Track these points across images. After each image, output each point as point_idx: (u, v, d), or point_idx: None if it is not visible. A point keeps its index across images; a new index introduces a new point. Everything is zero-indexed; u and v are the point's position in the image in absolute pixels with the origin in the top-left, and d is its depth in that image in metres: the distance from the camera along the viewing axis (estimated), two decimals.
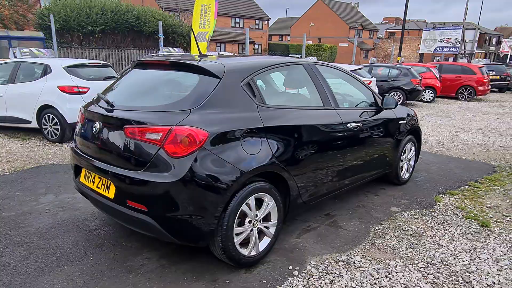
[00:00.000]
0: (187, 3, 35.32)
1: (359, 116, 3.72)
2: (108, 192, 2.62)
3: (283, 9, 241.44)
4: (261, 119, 2.72)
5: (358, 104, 3.98)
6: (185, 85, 2.75)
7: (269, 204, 2.80)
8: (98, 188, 2.72)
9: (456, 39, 23.88)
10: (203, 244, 2.59)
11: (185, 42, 21.81)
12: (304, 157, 3.03)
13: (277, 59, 3.28)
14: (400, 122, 4.37)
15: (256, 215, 2.73)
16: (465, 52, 26.27)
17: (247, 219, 2.68)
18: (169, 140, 2.35)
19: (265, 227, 2.84)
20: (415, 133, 4.77)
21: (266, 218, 2.84)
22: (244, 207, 2.61)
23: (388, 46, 48.80)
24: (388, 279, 2.70)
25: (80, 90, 6.48)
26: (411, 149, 4.77)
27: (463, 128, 9.24)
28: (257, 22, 41.74)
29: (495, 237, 3.43)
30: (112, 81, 3.35)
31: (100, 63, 7.20)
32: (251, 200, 2.65)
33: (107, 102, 2.77)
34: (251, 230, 2.73)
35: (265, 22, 43.70)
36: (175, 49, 13.74)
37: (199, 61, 2.90)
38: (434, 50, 25.81)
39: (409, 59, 44.11)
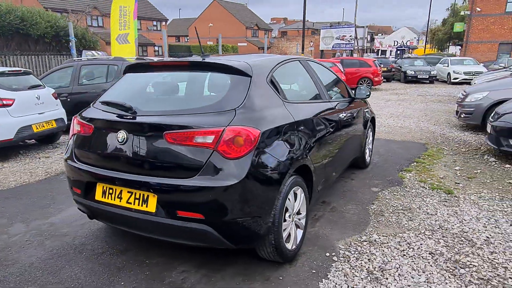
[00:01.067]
0: (75, 4, 32.41)
1: (344, 106, 4.00)
2: (146, 206, 2.39)
3: (174, 10, 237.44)
4: (291, 114, 2.77)
5: (336, 96, 4.26)
6: (217, 85, 2.65)
7: (301, 196, 2.87)
8: (129, 203, 2.45)
9: (350, 36, 26.71)
10: (257, 244, 2.55)
11: (81, 45, 19.98)
12: (320, 148, 3.17)
13: (279, 56, 3.34)
14: (365, 110, 4.80)
15: (293, 209, 2.78)
16: (358, 48, 29.56)
17: (287, 214, 2.71)
18: (222, 141, 2.26)
19: (298, 219, 2.91)
20: (373, 120, 5.28)
21: (298, 211, 2.91)
22: (287, 202, 2.64)
23: (283, 44, 51.69)
24: (411, 249, 3.00)
25: (4, 102, 5.60)
26: (370, 135, 5.27)
27: (379, 114, 10.37)
28: (154, 23, 40.27)
29: (463, 201, 4.03)
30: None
31: (21, 71, 6.27)
32: (291, 195, 2.69)
33: (129, 108, 2.51)
34: (291, 224, 2.77)
35: (163, 23, 42.43)
36: (99, 52, 12.62)
37: (204, 59, 2.82)
38: (333, 47, 28.45)
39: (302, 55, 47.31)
